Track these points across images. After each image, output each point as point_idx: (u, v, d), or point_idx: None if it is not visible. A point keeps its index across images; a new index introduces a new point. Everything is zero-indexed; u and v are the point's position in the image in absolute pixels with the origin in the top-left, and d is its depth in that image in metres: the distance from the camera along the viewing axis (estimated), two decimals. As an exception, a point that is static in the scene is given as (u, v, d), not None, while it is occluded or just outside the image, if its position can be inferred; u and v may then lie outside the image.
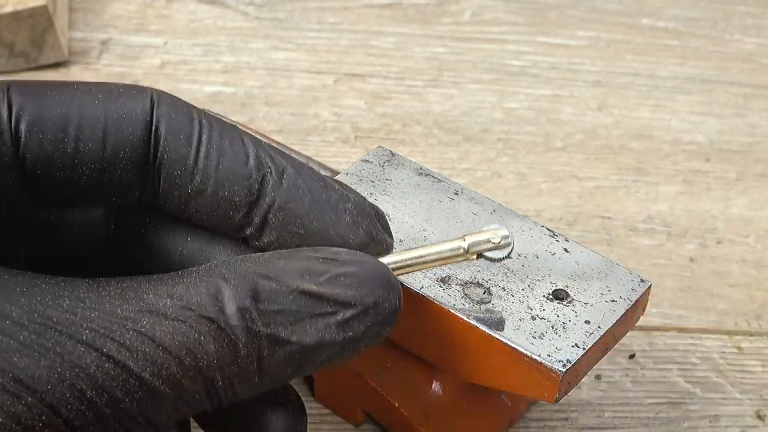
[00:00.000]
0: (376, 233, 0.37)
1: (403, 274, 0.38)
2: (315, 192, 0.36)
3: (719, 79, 0.72)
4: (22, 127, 0.34)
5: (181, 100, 0.37)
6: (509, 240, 0.38)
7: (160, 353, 0.32)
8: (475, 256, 0.38)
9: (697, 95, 0.70)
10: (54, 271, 0.36)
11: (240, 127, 0.38)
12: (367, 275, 0.35)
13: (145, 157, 0.35)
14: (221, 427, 0.39)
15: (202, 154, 0.36)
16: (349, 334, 0.35)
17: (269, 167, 0.36)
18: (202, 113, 0.37)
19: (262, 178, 0.36)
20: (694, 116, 0.68)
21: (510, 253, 0.38)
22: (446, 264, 0.39)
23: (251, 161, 0.36)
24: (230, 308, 0.33)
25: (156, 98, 0.36)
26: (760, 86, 0.71)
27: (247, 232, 0.36)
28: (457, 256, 0.38)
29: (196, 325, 0.32)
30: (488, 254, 0.38)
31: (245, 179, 0.36)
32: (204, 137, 0.36)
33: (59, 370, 0.31)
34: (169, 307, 0.33)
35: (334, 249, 0.36)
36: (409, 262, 0.38)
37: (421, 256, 0.38)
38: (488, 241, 0.38)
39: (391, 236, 0.38)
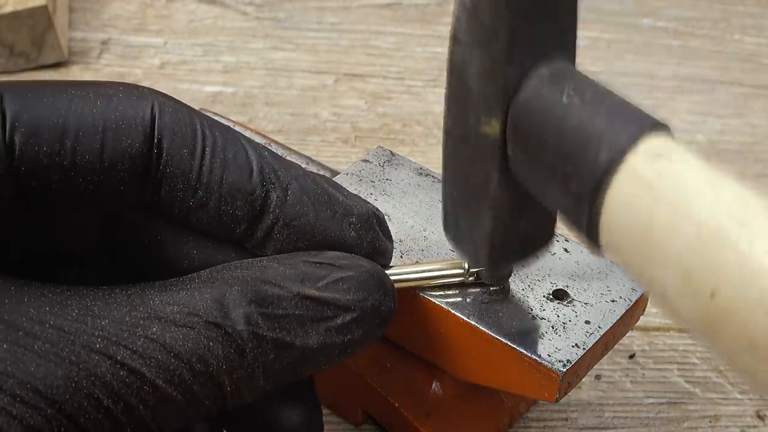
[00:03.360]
0: (378, 244, 0.38)
1: (401, 287, 0.39)
2: (319, 208, 0.36)
3: (719, 79, 0.71)
4: (17, 139, 0.33)
5: (182, 106, 0.36)
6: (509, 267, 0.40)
7: (172, 359, 0.32)
8: (472, 278, 0.40)
9: (697, 95, 0.70)
10: (49, 271, 0.36)
11: (239, 128, 0.37)
12: (364, 279, 0.35)
13: (144, 169, 0.34)
14: (234, 423, 0.39)
15: (205, 169, 0.35)
16: (349, 336, 0.35)
17: (273, 182, 0.35)
18: (205, 120, 0.36)
19: (266, 194, 0.35)
20: (694, 116, 0.68)
21: (507, 281, 0.41)
22: (444, 283, 0.40)
23: (255, 176, 0.35)
24: (236, 313, 0.33)
25: (158, 108, 0.35)
26: (760, 86, 0.71)
27: (249, 243, 0.36)
28: (457, 276, 0.40)
29: (204, 331, 0.32)
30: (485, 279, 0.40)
31: (248, 195, 0.35)
32: (208, 150, 0.35)
33: (76, 379, 0.30)
34: (176, 313, 0.32)
35: (330, 253, 0.36)
36: (410, 277, 0.40)
37: (423, 277, 0.40)
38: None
39: (391, 241, 0.39)
